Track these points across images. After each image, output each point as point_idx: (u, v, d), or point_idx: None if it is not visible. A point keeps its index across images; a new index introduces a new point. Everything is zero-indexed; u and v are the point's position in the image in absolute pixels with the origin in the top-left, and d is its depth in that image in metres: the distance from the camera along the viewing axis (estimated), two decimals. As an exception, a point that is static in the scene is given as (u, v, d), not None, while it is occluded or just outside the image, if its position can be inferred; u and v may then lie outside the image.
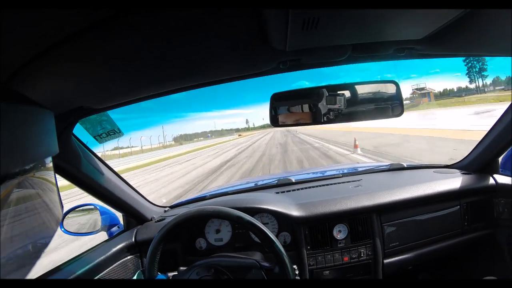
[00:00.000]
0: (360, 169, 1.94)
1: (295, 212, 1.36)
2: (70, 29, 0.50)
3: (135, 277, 1.06)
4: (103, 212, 1.52)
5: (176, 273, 1.14)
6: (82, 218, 1.53)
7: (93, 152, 1.27)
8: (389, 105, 1.09)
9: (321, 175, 1.97)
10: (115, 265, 1.33)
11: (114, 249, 1.35)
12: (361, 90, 1.10)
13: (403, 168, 1.82)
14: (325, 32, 0.72)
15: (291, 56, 0.90)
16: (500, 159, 1.53)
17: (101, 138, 1.21)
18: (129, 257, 1.41)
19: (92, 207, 1.54)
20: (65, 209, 1.49)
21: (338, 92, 1.08)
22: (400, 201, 1.37)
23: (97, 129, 1.19)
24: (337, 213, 1.35)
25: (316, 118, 1.11)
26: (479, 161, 1.55)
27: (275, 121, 1.15)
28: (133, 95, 1.01)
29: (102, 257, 1.28)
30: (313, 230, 1.36)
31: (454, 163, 1.74)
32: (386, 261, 1.36)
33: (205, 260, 1.11)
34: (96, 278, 1.22)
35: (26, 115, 0.42)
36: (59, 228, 1.43)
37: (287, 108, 1.15)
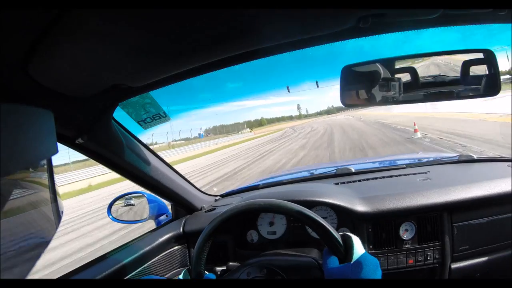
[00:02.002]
0: (425, 160, 1.74)
1: (359, 207, 1.20)
2: None
3: (181, 276, 0.96)
4: (151, 201, 1.46)
5: (225, 267, 1.06)
6: (131, 206, 1.49)
7: (138, 139, 1.17)
8: (482, 81, 0.92)
9: (382, 165, 1.79)
10: (162, 255, 1.30)
11: (162, 239, 1.31)
12: (448, 62, 0.97)
13: (473, 161, 1.59)
14: None
15: (373, 9, 0.66)
16: None
17: (145, 123, 1.07)
18: (176, 247, 1.37)
19: (140, 195, 1.48)
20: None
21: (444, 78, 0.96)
22: (474, 198, 1.17)
23: (141, 113, 1.04)
24: (405, 209, 1.18)
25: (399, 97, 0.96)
26: None
27: (346, 99, 0.99)
28: (170, 68, 0.81)
29: (149, 247, 1.25)
30: (377, 227, 1.20)
31: None
32: (453, 266, 1.20)
33: (256, 259, 1.00)
34: (142, 267, 1.19)
35: (25, 115, 0.41)
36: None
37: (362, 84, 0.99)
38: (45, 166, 0.48)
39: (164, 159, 1.33)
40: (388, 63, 0.96)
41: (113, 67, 0.72)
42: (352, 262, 0.72)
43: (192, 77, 0.87)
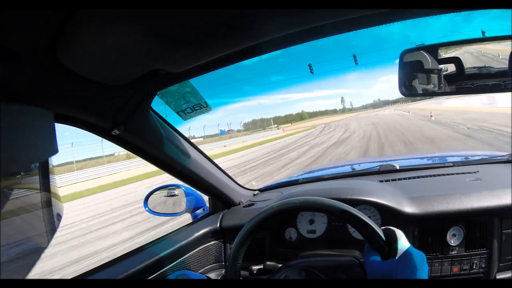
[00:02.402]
0: (473, 158, 1.63)
1: (406, 208, 1.12)
2: None
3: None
4: (188, 194, 1.42)
5: (262, 266, 1.03)
6: (167, 199, 1.46)
7: (176, 130, 1.11)
8: None
9: (428, 162, 1.68)
10: (198, 249, 1.28)
11: (198, 233, 1.29)
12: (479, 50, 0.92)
13: None
14: None
15: None
16: None
17: (185, 113, 1.00)
18: (212, 242, 1.34)
19: (177, 187, 1.45)
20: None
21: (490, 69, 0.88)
22: None
23: (181, 103, 0.97)
24: (455, 212, 1.08)
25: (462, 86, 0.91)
26: None
27: (408, 88, 0.90)
28: (211, 52, 0.74)
29: (186, 241, 1.23)
30: (424, 230, 1.11)
31: None
32: (498, 277, 1.11)
33: (295, 261, 0.95)
34: (178, 261, 1.18)
35: (25, 116, 0.41)
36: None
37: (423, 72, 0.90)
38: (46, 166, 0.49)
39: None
40: (445, 47, 0.91)
41: (150, 51, 0.65)
42: (396, 258, 0.67)
43: (232, 63, 0.80)
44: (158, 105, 0.99)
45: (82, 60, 0.59)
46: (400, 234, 0.72)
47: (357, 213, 0.76)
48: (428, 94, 0.94)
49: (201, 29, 0.58)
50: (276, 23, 0.63)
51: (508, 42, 0.86)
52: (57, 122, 0.72)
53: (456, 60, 0.90)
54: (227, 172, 1.42)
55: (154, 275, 1.06)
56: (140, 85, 0.80)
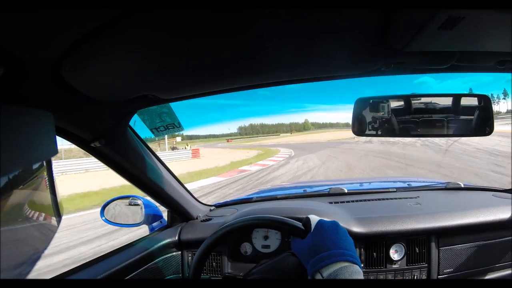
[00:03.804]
0: (414, 185, 1.83)
1: (353, 227, 1.25)
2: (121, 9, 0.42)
3: None
4: (147, 205, 1.44)
5: (220, 278, 1.10)
6: (125, 209, 1.46)
7: (147, 145, 1.18)
8: (479, 122, 1.02)
9: (373, 187, 1.86)
10: (156, 260, 1.29)
11: (158, 245, 1.31)
12: (449, 103, 1.04)
13: (460, 188, 1.69)
14: (460, 34, 0.62)
15: (396, 59, 0.80)
16: None
17: (158, 131, 1.08)
18: (170, 254, 1.36)
19: (136, 199, 1.46)
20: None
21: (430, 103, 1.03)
22: (461, 225, 1.26)
23: (156, 121, 1.05)
24: (397, 232, 1.24)
25: (404, 131, 1.05)
26: None
27: (360, 130, 1.06)
28: (202, 88, 0.89)
29: (144, 252, 1.25)
30: (369, 247, 1.25)
31: None
32: None
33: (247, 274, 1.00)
34: (136, 272, 1.18)
35: (25, 117, 0.42)
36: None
37: (373, 117, 1.05)
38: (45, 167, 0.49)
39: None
40: (400, 100, 1.04)
41: (147, 80, 0.75)
42: (311, 231, 0.78)
43: (227, 92, 0.92)
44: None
45: (81, 76, 0.63)
46: (313, 217, 0.82)
47: (275, 217, 0.88)
48: (375, 135, 1.08)
49: (195, 66, 0.70)
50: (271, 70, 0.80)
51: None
52: None
53: (405, 98, 1.04)
54: (186, 187, 1.48)
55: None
56: (127, 104, 0.87)
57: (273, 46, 0.66)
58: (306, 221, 0.83)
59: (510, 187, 1.59)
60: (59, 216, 0.53)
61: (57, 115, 0.72)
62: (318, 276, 0.69)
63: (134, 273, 1.17)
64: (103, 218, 1.40)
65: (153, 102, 0.91)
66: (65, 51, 0.50)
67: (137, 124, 1.07)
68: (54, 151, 0.49)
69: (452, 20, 0.53)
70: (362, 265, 1.20)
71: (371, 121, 1.06)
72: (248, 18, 0.52)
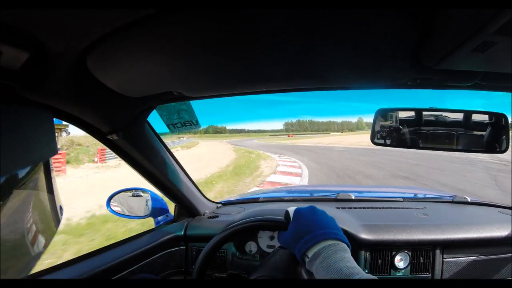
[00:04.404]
0: (420, 196, 1.85)
1: (361, 234, 1.26)
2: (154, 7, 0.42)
3: None
4: (154, 199, 1.45)
5: (225, 275, 1.11)
6: (131, 201, 1.46)
7: (161, 139, 1.16)
8: (493, 139, 1.02)
9: (380, 195, 1.86)
10: (161, 254, 1.30)
11: (163, 239, 1.32)
12: (466, 119, 1.04)
13: (467, 203, 1.71)
14: (489, 57, 0.63)
15: (424, 74, 0.80)
16: None
17: (174, 127, 1.06)
18: (175, 248, 1.37)
19: (144, 191, 1.46)
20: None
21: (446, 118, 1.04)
22: (466, 239, 1.28)
23: (173, 117, 1.04)
24: (403, 241, 1.25)
25: (420, 143, 1.05)
26: None
27: (378, 138, 1.07)
28: (229, 89, 0.88)
29: (150, 245, 1.26)
30: (375, 254, 1.26)
31: None
32: None
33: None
34: (140, 264, 1.19)
35: (25, 117, 0.42)
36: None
37: (388, 127, 1.07)
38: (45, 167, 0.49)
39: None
40: (420, 113, 1.04)
41: (174, 77, 0.73)
42: (291, 220, 0.81)
43: (247, 95, 0.92)
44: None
45: (107, 69, 0.63)
46: (291, 208, 0.85)
47: (255, 218, 0.92)
48: (392, 146, 1.08)
49: (224, 68, 0.69)
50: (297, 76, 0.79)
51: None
52: (57, 118, 0.72)
53: (417, 110, 1.05)
54: (195, 183, 1.48)
55: (116, 276, 1.07)
56: (149, 99, 0.85)
57: (303, 54, 0.66)
58: (286, 214, 0.86)
59: (513, 205, 1.61)
60: (58, 216, 0.53)
61: (77, 105, 0.72)
62: (306, 259, 0.71)
63: (138, 265, 1.18)
64: (109, 208, 1.39)
65: (176, 98, 0.90)
66: (94, 42, 0.49)
67: (153, 117, 1.06)
68: (54, 151, 0.50)
69: (486, 44, 0.54)
70: (366, 271, 1.25)
71: (384, 131, 1.07)
72: (275, 29, 0.52)
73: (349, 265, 0.64)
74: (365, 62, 0.73)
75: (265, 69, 0.74)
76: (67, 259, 1.03)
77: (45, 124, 0.49)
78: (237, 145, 34.43)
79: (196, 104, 1.00)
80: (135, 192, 1.47)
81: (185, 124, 1.06)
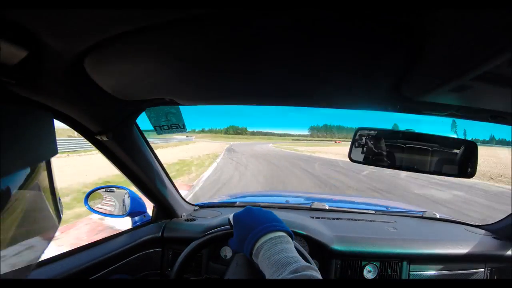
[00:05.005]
0: (391, 210, 1.92)
1: (333, 244, 1.32)
2: (156, 19, 0.44)
3: None
4: (132, 198, 1.44)
5: (200, 279, 1.13)
6: (110, 199, 1.46)
7: (147, 141, 1.18)
8: (463, 165, 1.07)
9: (353, 206, 1.93)
10: (137, 255, 1.30)
11: (141, 240, 1.33)
12: (439, 143, 1.09)
13: (435, 219, 1.80)
14: (464, 95, 0.71)
15: (405, 103, 0.87)
16: None
17: (161, 129, 1.09)
18: (151, 250, 1.37)
19: (122, 189, 1.45)
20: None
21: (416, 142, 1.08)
22: (433, 254, 1.35)
23: (161, 119, 1.06)
24: (372, 253, 1.32)
25: (395, 163, 1.09)
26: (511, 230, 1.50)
27: (355, 158, 1.12)
28: (220, 101, 0.92)
29: (127, 245, 1.26)
30: (345, 264, 1.32)
31: (487, 225, 1.71)
32: None
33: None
34: (116, 265, 1.18)
35: (25, 117, 0.42)
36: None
37: (368, 147, 1.11)
38: (45, 167, 0.48)
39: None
40: (396, 135, 1.10)
41: (168, 84, 0.76)
42: (233, 226, 0.84)
43: (240, 105, 0.96)
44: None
45: (104, 73, 0.64)
46: (231, 215, 0.88)
47: (207, 236, 0.97)
48: (369, 164, 1.12)
49: (217, 79, 0.73)
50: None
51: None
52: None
53: (395, 132, 1.10)
54: (175, 185, 1.50)
55: (94, 277, 1.06)
56: (141, 103, 0.88)
57: (298, 73, 0.69)
58: (229, 221, 0.90)
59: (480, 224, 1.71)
60: (59, 216, 0.53)
61: (69, 104, 0.73)
62: (254, 258, 0.73)
63: (115, 266, 1.17)
64: (87, 206, 1.38)
65: (168, 104, 0.92)
66: (93, 45, 0.50)
67: (140, 118, 1.08)
68: (54, 151, 0.50)
69: (463, 87, 0.61)
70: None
71: (364, 149, 1.11)
72: (268, 47, 0.55)
73: (288, 255, 0.67)
74: (356, 88, 0.79)
75: (258, 84, 0.78)
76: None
77: (46, 125, 0.48)
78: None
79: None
80: (113, 189, 1.46)
81: (172, 127, 1.08)
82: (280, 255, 0.67)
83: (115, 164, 1.07)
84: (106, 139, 0.89)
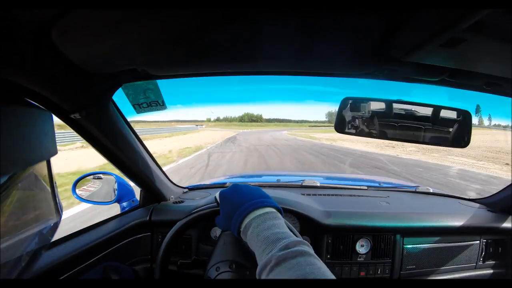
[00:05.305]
0: (384, 185, 1.93)
1: (324, 220, 1.32)
2: None
3: None
4: (120, 184, 1.44)
5: (190, 261, 1.07)
6: (97, 186, 1.45)
7: (128, 122, 1.15)
8: (457, 134, 1.06)
9: (345, 183, 1.93)
10: (127, 240, 1.30)
11: (128, 225, 1.32)
12: (432, 113, 1.07)
13: (429, 193, 1.81)
14: (457, 53, 0.66)
15: (391, 65, 0.83)
16: None
17: (140, 107, 1.07)
18: (141, 235, 1.37)
19: (109, 176, 1.44)
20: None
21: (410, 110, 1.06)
22: (426, 227, 1.36)
23: (139, 97, 1.05)
24: (364, 227, 1.32)
25: (385, 133, 1.07)
26: (507, 202, 1.52)
27: (341, 127, 1.10)
28: (195, 69, 0.89)
29: (115, 231, 1.25)
30: (337, 239, 1.32)
31: (481, 198, 1.73)
32: None
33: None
34: (106, 252, 1.18)
35: (24, 116, 0.42)
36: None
37: (355, 116, 1.09)
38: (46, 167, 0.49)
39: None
40: (385, 104, 1.07)
41: (139, 52, 0.74)
42: (220, 203, 0.83)
43: (217, 76, 0.94)
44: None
45: (73, 42, 0.61)
46: (217, 194, 0.88)
47: (194, 214, 0.96)
48: (356, 134, 1.10)
49: (189, 45, 0.70)
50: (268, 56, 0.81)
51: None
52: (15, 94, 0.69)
53: (390, 102, 1.06)
54: (162, 168, 1.48)
55: (83, 265, 1.05)
56: (114, 76, 0.86)
57: (272, 40, 0.68)
58: (215, 199, 0.90)
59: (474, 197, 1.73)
60: (59, 215, 0.53)
61: (38, 81, 0.69)
62: (243, 236, 0.72)
63: (105, 252, 1.16)
64: (75, 195, 1.37)
65: (142, 77, 0.90)
66: (60, 13, 0.49)
67: (121, 101, 1.06)
68: (54, 151, 0.50)
69: (455, 40, 0.57)
70: (328, 256, 1.30)
71: (351, 120, 1.09)
72: (248, 14, 0.54)
73: (277, 230, 0.65)
74: (334, 52, 0.77)
75: (233, 51, 0.76)
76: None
77: (45, 124, 0.48)
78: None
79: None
80: (100, 176, 1.45)
81: (151, 104, 1.07)
82: (269, 231, 0.65)
83: (93, 145, 1.04)
84: (79, 117, 0.85)
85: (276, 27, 0.61)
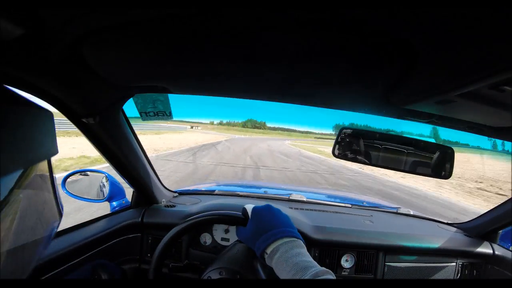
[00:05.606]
0: (367, 205, 2.00)
1: (311, 233, 1.37)
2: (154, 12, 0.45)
3: None
4: (112, 182, 1.44)
5: (181, 264, 1.12)
6: (88, 183, 1.44)
7: (131, 126, 1.17)
8: (440, 168, 1.12)
9: (330, 200, 1.99)
10: (117, 240, 1.30)
11: (121, 224, 1.33)
12: (416, 146, 1.13)
13: (409, 215, 1.89)
14: (447, 107, 0.76)
15: (391, 110, 0.94)
16: (500, 231, 1.61)
17: (147, 115, 1.08)
18: (131, 235, 1.38)
19: (101, 174, 1.44)
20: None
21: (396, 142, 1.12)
22: (407, 246, 1.43)
23: (148, 106, 1.06)
24: (350, 243, 1.38)
25: (373, 160, 1.13)
26: (483, 228, 1.62)
27: (338, 153, 1.16)
28: (213, 92, 0.94)
29: (107, 230, 1.26)
30: (323, 253, 1.38)
31: (458, 223, 1.82)
32: None
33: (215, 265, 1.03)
34: (96, 250, 1.18)
35: (24, 116, 0.41)
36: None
37: (351, 144, 1.15)
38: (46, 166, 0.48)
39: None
40: (375, 136, 1.14)
41: (164, 72, 0.76)
42: (250, 218, 0.87)
43: (232, 97, 0.97)
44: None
45: (99, 55, 0.63)
46: (249, 206, 0.91)
47: (216, 212, 0.97)
48: (350, 160, 1.15)
49: (206, 71, 0.73)
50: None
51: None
52: (29, 93, 0.69)
53: (376, 134, 1.13)
54: (156, 172, 1.50)
55: (73, 262, 1.05)
56: (131, 88, 0.88)
57: (293, 70, 0.71)
58: (244, 211, 0.92)
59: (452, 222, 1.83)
60: (60, 216, 0.53)
61: (60, 86, 0.72)
62: (265, 255, 0.77)
63: (95, 251, 1.17)
64: (65, 190, 1.35)
65: (158, 91, 0.92)
66: (93, 30, 0.50)
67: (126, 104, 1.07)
68: (55, 151, 0.49)
69: (447, 101, 0.67)
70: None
71: (341, 145, 1.15)
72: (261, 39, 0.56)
73: (305, 259, 0.70)
74: (350, 94, 0.84)
75: (252, 80, 0.79)
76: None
77: (46, 124, 0.47)
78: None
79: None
80: (88, 173, 1.45)
81: (158, 114, 1.08)
82: (297, 258, 0.70)
83: (98, 148, 1.05)
84: (93, 122, 0.88)
85: (300, 65, 0.66)
